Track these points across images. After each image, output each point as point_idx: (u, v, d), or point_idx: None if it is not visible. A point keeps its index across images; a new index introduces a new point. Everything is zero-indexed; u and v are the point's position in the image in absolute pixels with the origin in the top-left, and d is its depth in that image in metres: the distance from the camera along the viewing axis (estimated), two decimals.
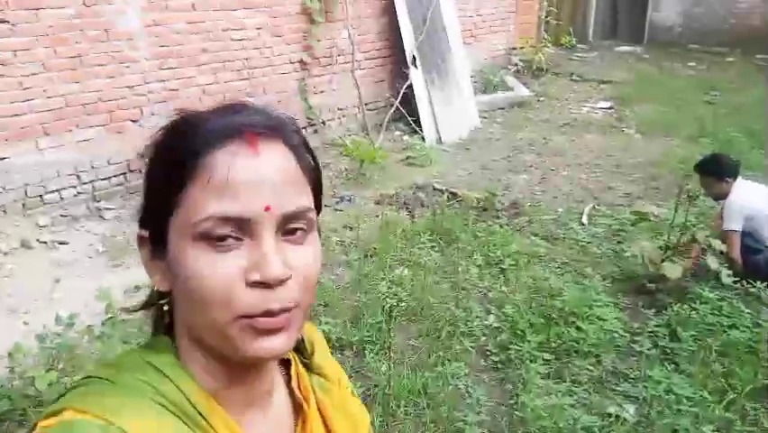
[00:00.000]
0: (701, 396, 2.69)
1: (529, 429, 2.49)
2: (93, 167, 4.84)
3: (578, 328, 3.15)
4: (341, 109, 6.67)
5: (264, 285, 0.58)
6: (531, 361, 2.93)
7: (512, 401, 2.76)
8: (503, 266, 4.00)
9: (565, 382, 2.90)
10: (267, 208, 0.58)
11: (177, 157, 0.60)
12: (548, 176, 5.98)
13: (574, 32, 10.65)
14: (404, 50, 6.82)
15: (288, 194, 0.60)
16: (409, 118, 6.89)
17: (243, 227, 0.58)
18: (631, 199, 5.29)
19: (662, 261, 3.35)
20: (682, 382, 2.77)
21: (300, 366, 0.75)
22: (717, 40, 10.32)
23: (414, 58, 6.80)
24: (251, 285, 0.58)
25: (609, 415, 2.63)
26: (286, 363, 0.74)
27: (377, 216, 4.84)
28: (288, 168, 0.61)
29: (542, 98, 8.50)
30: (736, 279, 3.50)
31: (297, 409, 0.72)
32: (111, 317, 2.75)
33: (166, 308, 0.67)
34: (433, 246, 4.27)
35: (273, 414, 0.69)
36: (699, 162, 4.00)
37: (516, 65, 9.25)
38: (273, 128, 0.61)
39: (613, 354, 3.09)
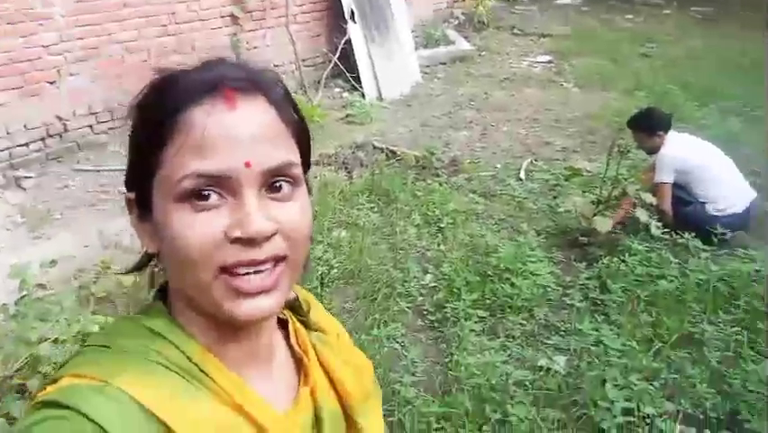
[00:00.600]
0: (630, 346, 2.76)
1: (462, 387, 2.51)
2: (8, 133, 4.54)
3: (512, 284, 3.17)
4: (276, 66, 6.41)
5: (247, 242, 0.57)
6: (466, 319, 2.94)
7: (446, 360, 2.77)
8: (441, 225, 3.98)
9: (499, 337, 2.92)
10: (247, 164, 0.57)
11: (155, 116, 0.59)
12: (488, 132, 5.97)
13: None
14: (341, 4, 6.60)
15: (268, 149, 0.58)
16: (348, 75, 6.72)
17: (224, 185, 0.57)
18: (567, 154, 5.34)
19: (594, 215, 3.39)
20: (611, 334, 2.84)
21: (298, 324, 0.75)
22: None
23: (352, 12, 6.59)
24: (234, 242, 0.57)
25: (541, 368, 2.68)
26: (283, 323, 0.74)
27: (315, 178, 4.73)
28: (269, 122, 0.59)
29: (483, 52, 8.43)
30: (666, 230, 3.58)
31: (299, 364, 0.72)
32: (24, 295, 2.59)
33: (157, 269, 0.67)
34: (371, 207, 4.22)
35: (276, 370, 0.69)
36: (631, 118, 4.04)
37: (458, 18, 9.12)
38: (252, 82, 0.60)
39: (546, 307, 3.13)
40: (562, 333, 2.94)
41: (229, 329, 0.63)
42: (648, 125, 3.91)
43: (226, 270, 0.57)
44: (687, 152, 3.79)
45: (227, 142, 0.57)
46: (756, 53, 7.53)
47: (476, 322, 2.92)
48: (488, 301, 3.10)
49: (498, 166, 5.12)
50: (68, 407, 0.54)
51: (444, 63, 8.05)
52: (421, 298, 3.23)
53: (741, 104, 6.00)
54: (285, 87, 0.64)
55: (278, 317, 0.73)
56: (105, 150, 5.24)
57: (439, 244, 3.79)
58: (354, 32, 6.62)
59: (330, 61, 6.65)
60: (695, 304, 3.08)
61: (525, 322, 3.03)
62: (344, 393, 0.72)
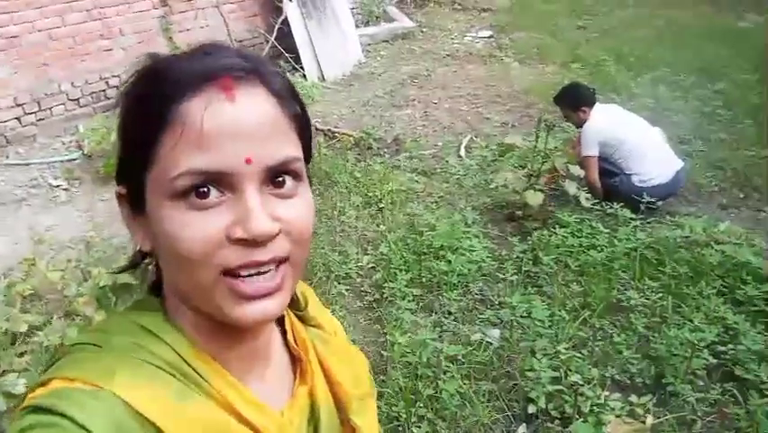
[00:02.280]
0: (559, 316, 2.84)
1: (396, 366, 2.54)
2: None
3: (448, 261, 3.22)
4: None
5: (250, 242, 0.53)
6: (402, 298, 2.97)
7: (381, 340, 2.80)
8: (381, 205, 3.99)
9: (435, 314, 2.97)
10: (248, 161, 0.53)
11: (147, 107, 0.55)
12: (430, 109, 5.99)
13: None
14: None
15: (271, 144, 0.55)
16: (288, 56, 6.62)
17: (224, 182, 0.54)
18: (506, 129, 5.41)
19: (525, 189, 3.45)
20: (542, 305, 2.91)
21: (295, 320, 0.72)
22: None
23: None
24: (235, 242, 0.53)
25: (475, 342, 2.73)
26: (280, 319, 0.71)
27: None
28: (270, 115, 0.55)
29: (425, 29, 8.42)
30: (596, 201, 3.67)
31: (296, 362, 0.70)
32: None
33: (151, 267, 0.64)
34: (312, 189, 4.18)
35: (272, 368, 0.67)
36: (557, 94, 4.11)
37: None
38: (251, 71, 0.56)
39: (480, 282, 3.18)
40: (496, 307, 3.00)
41: (227, 330, 0.60)
42: (571, 101, 3.98)
43: (228, 272, 0.54)
44: (611, 125, 3.87)
45: (227, 137, 0.53)
46: (686, 21, 7.76)
47: (411, 301, 2.95)
48: (423, 280, 3.14)
49: (439, 144, 5.15)
50: (59, 413, 0.51)
51: (387, 41, 8.01)
52: (360, 279, 3.25)
53: (673, 72, 6.17)
54: (285, 77, 0.60)
55: None
56: (35, 142, 5.06)
57: (378, 225, 3.80)
58: (291, 10, 6.51)
59: (268, 42, 6.53)
60: (623, 272, 3.18)
61: (460, 298, 3.07)
62: (341, 392, 0.70)
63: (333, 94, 6.44)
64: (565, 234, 3.40)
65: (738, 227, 3.59)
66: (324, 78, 6.75)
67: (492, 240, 3.57)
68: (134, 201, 0.59)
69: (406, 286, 3.02)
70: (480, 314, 2.99)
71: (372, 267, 3.34)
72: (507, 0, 9.14)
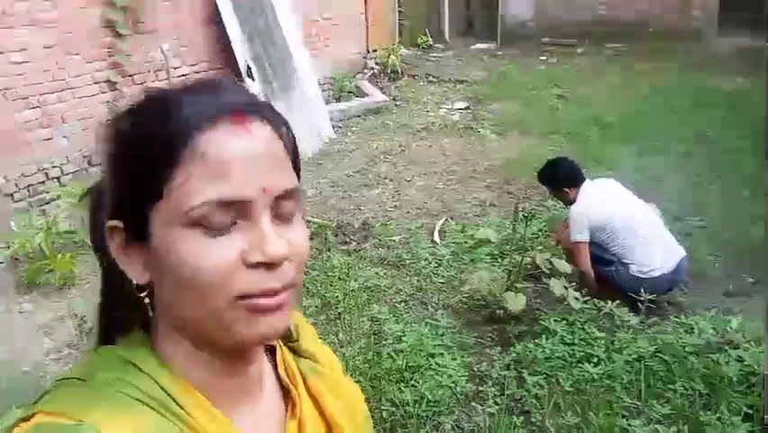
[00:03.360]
0: None
1: None
2: None
3: (413, 387, 2.65)
4: None
5: (264, 266, 0.55)
6: None
7: None
8: (340, 309, 3.46)
9: None
10: (264, 190, 0.56)
11: (160, 140, 0.55)
12: (402, 188, 5.55)
13: (430, 32, 10.44)
14: (237, 62, 6.14)
15: (279, 173, 0.58)
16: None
17: (239, 210, 0.56)
18: (484, 208, 4.96)
19: (505, 290, 2.94)
20: None
21: (286, 352, 0.72)
22: (565, 32, 10.47)
23: (248, 68, 6.14)
24: (252, 267, 0.55)
25: None
26: (271, 350, 0.71)
27: None
28: (275, 146, 0.59)
29: (399, 102, 8.13)
30: (588, 298, 3.15)
31: (287, 394, 0.69)
32: None
33: (147, 300, 0.62)
34: None
35: (263, 402, 0.66)
36: (539, 171, 3.67)
37: (372, 69, 8.85)
38: (256, 105, 0.59)
39: (455, 412, 2.61)
40: None
41: (223, 362, 0.61)
42: (555, 180, 3.54)
43: (243, 297, 0.55)
44: (602, 206, 3.40)
45: (244, 167, 0.55)
46: (670, 86, 7.50)
47: None
48: (384, 414, 2.56)
49: (411, 228, 4.67)
50: None
51: (359, 116, 7.69)
52: None
53: (660, 140, 5.81)
54: (280, 113, 0.62)
55: (267, 345, 0.70)
56: None
57: (337, 334, 3.25)
58: (253, 89, 6.13)
59: None
60: (626, 391, 2.63)
61: None
62: (335, 426, 0.70)
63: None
64: (555, 344, 2.86)
65: (752, 323, 3.08)
66: None
67: (468, 352, 3.02)
68: (132, 234, 0.59)
69: None
70: None
71: None
72: (483, 72, 8.93)
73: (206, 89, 0.59)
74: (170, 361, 0.60)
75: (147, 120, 0.57)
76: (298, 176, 0.63)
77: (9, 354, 3.29)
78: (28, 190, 4.82)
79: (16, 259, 4.16)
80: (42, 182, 4.89)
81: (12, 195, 4.73)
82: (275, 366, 0.70)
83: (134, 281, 0.60)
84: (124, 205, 0.59)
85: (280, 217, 0.58)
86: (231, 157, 0.55)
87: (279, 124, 0.60)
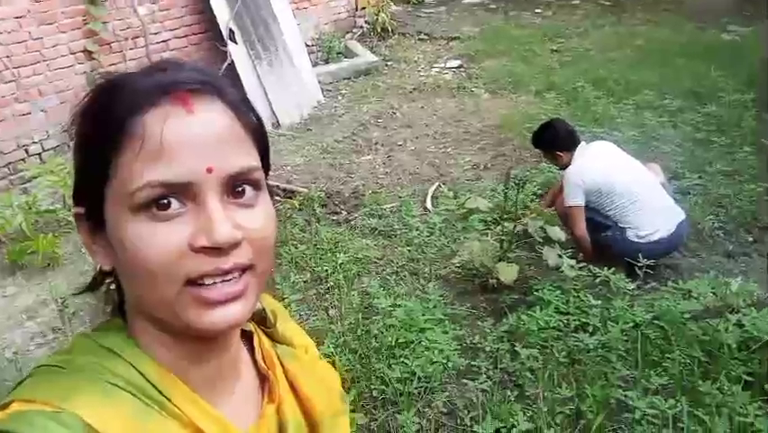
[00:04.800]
0: None
1: None
2: None
3: (404, 363, 2.58)
4: None
5: (213, 251, 0.54)
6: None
7: None
8: (330, 283, 3.37)
9: None
10: (209, 170, 0.54)
11: (105, 122, 0.56)
12: (394, 153, 5.41)
13: None
14: (219, 24, 5.91)
15: (230, 153, 0.56)
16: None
17: (185, 193, 0.54)
18: (477, 171, 4.84)
19: (497, 261, 2.84)
20: (525, 419, 2.28)
21: (263, 337, 0.72)
22: None
23: (231, 32, 5.91)
24: (198, 251, 0.54)
25: None
26: (248, 336, 0.70)
27: None
28: (228, 125, 0.56)
29: (390, 62, 7.88)
30: (583, 265, 3.05)
31: (264, 380, 0.69)
32: None
33: (113, 286, 0.63)
34: None
35: (240, 387, 0.66)
36: (533, 135, 3.53)
37: (362, 27, 8.55)
38: (207, 84, 0.57)
39: (447, 389, 2.55)
40: (465, 425, 2.35)
41: (194, 346, 0.60)
42: (547, 144, 3.40)
43: (192, 282, 0.54)
44: (597, 169, 3.27)
45: (187, 148, 0.54)
46: (666, 38, 7.27)
47: (358, 426, 2.31)
48: (374, 393, 2.49)
49: (403, 194, 4.55)
50: None
51: (348, 78, 7.45)
52: None
53: (657, 95, 5.63)
54: (241, 89, 0.61)
55: (243, 330, 0.69)
56: None
57: (327, 310, 3.18)
58: (237, 53, 5.94)
59: None
60: (621, 362, 2.56)
61: (423, 412, 2.44)
62: (312, 410, 0.70)
63: (287, 141, 5.85)
64: (549, 314, 2.78)
65: (753, 285, 2.99)
66: (279, 125, 6.17)
67: (461, 324, 2.94)
68: (93, 220, 0.59)
69: (351, 409, 2.37)
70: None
71: None
72: (476, 27, 8.64)
73: (158, 70, 0.57)
74: (144, 345, 0.60)
75: (94, 104, 0.57)
76: (265, 155, 0.61)
77: None
78: (8, 168, 4.70)
79: None
80: (23, 159, 4.76)
81: None
82: (252, 352, 0.70)
83: (98, 267, 0.61)
84: (82, 190, 0.59)
85: (238, 198, 0.56)
86: (172, 138, 0.53)
87: (237, 102, 0.58)
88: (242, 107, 0.59)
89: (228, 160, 0.55)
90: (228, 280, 0.55)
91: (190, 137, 0.54)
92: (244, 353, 0.69)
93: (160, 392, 0.57)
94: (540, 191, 4.09)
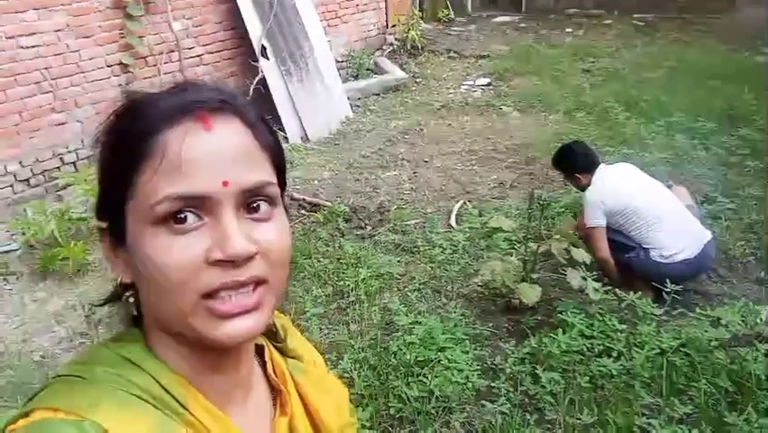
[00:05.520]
0: None
1: None
2: None
3: (422, 382, 2.56)
4: None
5: (228, 264, 0.55)
6: None
7: None
8: (351, 298, 3.37)
9: None
10: (225, 183, 0.56)
11: (127, 140, 0.58)
12: (420, 169, 5.41)
13: (451, 4, 10.14)
14: (251, 41, 6.02)
15: (246, 169, 0.58)
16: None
17: (201, 206, 0.56)
18: (504, 190, 4.81)
19: (519, 281, 2.81)
20: None
21: (274, 351, 0.73)
22: (594, 2, 10.08)
23: (263, 47, 6.02)
24: (214, 264, 0.55)
25: None
26: (260, 350, 0.72)
27: None
28: (244, 143, 0.59)
29: (419, 79, 7.93)
30: (607, 288, 3.00)
31: (275, 393, 0.71)
32: None
33: (132, 300, 0.63)
34: None
35: (253, 400, 0.68)
36: (553, 156, 3.50)
37: (392, 45, 8.62)
38: (226, 103, 0.59)
39: (466, 409, 2.52)
40: None
41: (211, 358, 0.61)
42: (567, 165, 3.38)
43: (207, 295, 0.55)
44: (617, 190, 3.22)
45: (204, 163, 0.56)
46: (699, 59, 7.17)
47: None
48: (392, 411, 2.48)
49: (428, 211, 4.55)
50: None
51: (378, 94, 7.52)
52: None
53: (689, 118, 5.54)
54: (258, 109, 0.63)
55: (255, 344, 0.70)
56: None
57: (347, 324, 3.17)
58: (268, 69, 6.04)
59: None
60: (646, 389, 2.50)
61: (440, 432, 2.41)
62: (321, 423, 0.71)
63: (315, 155, 5.90)
64: (573, 337, 2.73)
65: None
66: (307, 138, 6.24)
67: (482, 344, 2.91)
68: (115, 234, 0.60)
69: (367, 426, 2.36)
70: None
71: None
72: (506, 46, 8.65)
73: (179, 90, 0.59)
74: (162, 357, 0.61)
75: (118, 122, 0.59)
76: (281, 172, 0.63)
77: (22, 342, 3.29)
78: (43, 176, 4.82)
79: (32, 246, 4.16)
80: (58, 168, 4.88)
81: (27, 180, 4.74)
82: (264, 365, 0.71)
83: (118, 280, 0.62)
84: (105, 205, 0.61)
85: (253, 213, 0.58)
86: (190, 153, 0.55)
87: (254, 121, 0.60)
88: (259, 126, 0.61)
89: (244, 175, 0.57)
90: (243, 294, 0.56)
91: (208, 153, 0.56)
92: (257, 367, 0.71)
93: (179, 402, 0.58)
94: (563, 212, 4.05)
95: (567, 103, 6.39)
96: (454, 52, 8.64)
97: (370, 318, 3.15)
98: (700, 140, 5.10)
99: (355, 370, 2.67)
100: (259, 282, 0.57)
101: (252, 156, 0.59)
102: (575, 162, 3.32)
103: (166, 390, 0.58)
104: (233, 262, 0.55)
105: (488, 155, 5.58)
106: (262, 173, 0.59)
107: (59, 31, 4.73)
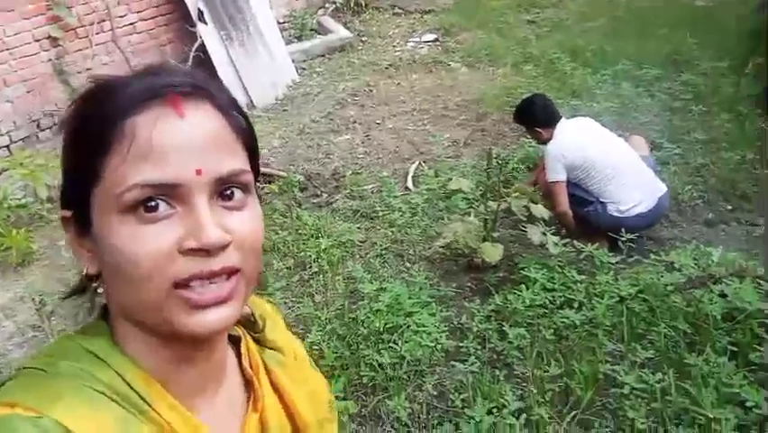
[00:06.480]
0: (539, 415, 2.22)
1: None
2: None
3: (392, 348, 2.57)
4: None
5: (201, 252, 0.54)
6: (339, 412, 2.31)
7: None
8: (314, 269, 3.33)
9: (382, 426, 2.33)
10: (198, 172, 0.54)
11: (94, 125, 0.56)
12: (373, 132, 5.34)
13: None
14: (187, 5, 5.74)
15: (219, 156, 0.56)
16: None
17: (173, 195, 0.54)
18: (458, 148, 4.80)
19: (482, 240, 2.83)
20: (514, 398, 2.29)
21: (251, 342, 0.71)
22: None
23: (200, 11, 5.75)
24: (186, 253, 0.54)
25: None
26: (236, 340, 0.70)
27: None
28: (218, 129, 0.57)
29: (364, 38, 7.75)
30: (566, 241, 3.05)
31: (250, 386, 0.68)
32: None
33: (100, 290, 0.62)
34: None
35: (224, 394, 0.65)
36: (514, 112, 3.50)
37: (334, 2, 8.39)
38: (197, 88, 0.57)
39: (437, 372, 2.55)
40: (458, 407, 2.36)
41: (181, 350, 0.60)
42: (528, 120, 3.38)
43: (179, 284, 0.54)
44: (578, 144, 3.26)
45: (176, 150, 0.54)
46: (642, 6, 7.24)
47: (350, 417, 2.30)
48: (364, 380, 2.48)
49: (384, 174, 4.51)
50: None
51: (323, 55, 7.32)
52: None
53: (634, 65, 5.61)
54: (230, 94, 0.61)
55: (231, 334, 0.68)
56: None
57: (312, 296, 3.14)
58: (207, 34, 5.79)
59: None
60: (608, 337, 2.58)
61: (413, 396, 2.44)
62: (297, 416, 0.70)
63: (263, 122, 5.74)
64: (535, 292, 2.78)
65: (734, 254, 3.03)
66: (253, 105, 6.06)
67: (447, 305, 2.94)
68: (80, 224, 0.59)
69: (341, 396, 2.36)
70: (440, 417, 2.35)
71: None
72: (451, 0, 8.53)
73: (148, 74, 0.57)
74: (129, 351, 0.59)
75: (85, 107, 0.57)
76: (254, 157, 0.61)
77: None
78: None
79: None
80: None
81: None
82: (239, 357, 0.69)
83: (84, 271, 0.60)
84: (70, 192, 0.59)
85: (226, 201, 0.56)
86: (161, 140, 0.54)
87: (226, 106, 0.59)
88: (231, 111, 0.59)
89: (217, 162, 0.55)
90: (216, 284, 0.55)
91: (180, 140, 0.54)
92: (231, 358, 0.69)
93: (143, 400, 0.57)
94: (520, 168, 4.08)
95: (514, 56, 6.37)
96: (399, 8, 8.47)
97: (335, 288, 3.13)
98: (645, 87, 5.18)
99: (324, 342, 2.66)
100: (232, 272, 0.56)
101: (226, 143, 0.57)
102: (536, 116, 3.32)
103: (130, 386, 0.57)
104: (206, 252, 0.53)
105: (439, 113, 5.55)
106: (237, 160, 0.57)
107: None
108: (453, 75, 6.36)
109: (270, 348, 0.72)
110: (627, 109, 4.80)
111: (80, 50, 5.08)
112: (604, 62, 5.73)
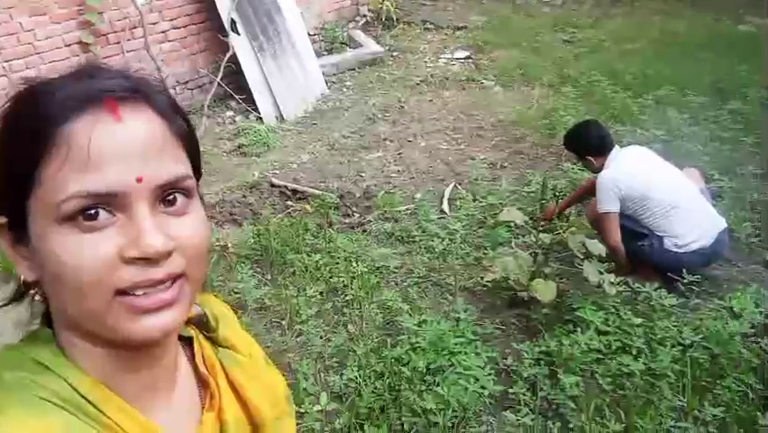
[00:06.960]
0: None
1: None
2: None
3: (434, 393, 2.38)
4: None
5: (144, 261, 0.53)
6: None
7: None
8: (347, 296, 3.16)
9: None
10: (139, 179, 0.53)
11: (28, 131, 0.53)
12: (405, 150, 5.18)
13: None
14: (219, 15, 5.64)
15: (160, 162, 0.55)
16: (237, 97, 5.78)
17: (114, 203, 0.53)
18: (494, 170, 4.62)
19: (533, 277, 2.64)
20: None
21: (204, 342, 0.71)
22: None
23: (233, 22, 5.65)
24: (129, 262, 0.52)
25: None
26: (188, 341, 0.70)
27: None
28: (157, 133, 0.55)
29: (395, 53, 7.61)
30: (621, 280, 2.86)
31: (204, 385, 0.68)
32: None
33: (38, 298, 0.61)
34: (257, 276, 3.34)
35: (178, 395, 0.65)
36: (565, 136, 3.32)
37: (365, 16, 8.28)
38: (136, 91, 0.56)
39: (483, 424, 2.35)
40: None
41: (126, 356, 0.58)
42: (580, 147, 3.20)
43: (122, 291, 0.53)
44: (632, 174, 3.07)
45: (115, 157, 0.52)
46: (682, 29, 7.05)
47: None
48: (404, 426, 2.29)
49: (417, 196, 4.34)
50: None
51: (353, 69, 7.19)
52: (317, 427, 2.37)
53: (676, 90, 5.41)
54: (170, 95, 0.59)
55: (183, 335, 0.68)
56: None
57: (345, 325, 2.97)
58: (239, 44, 5.68)
59: (211, 82, 5.68)
60: (670, 390, 2.37)
61: None
62: (255, 412, 0.69)
63: (293, 136, 5.61)
64: (591, 337, 2.58)
65: None
66: (282, 118, 5.93)
67: (492, 344, 2.74)
68: (16, 230, 0.57)
69: None
70: None
71: (333, 409, 2.42)
72: (483, 16, 8.38)
73: (85, 76, 0.55)
74: (73, 357, 0.58)
75: (18, 109, 0.55)
76: (197, 162, 0.60)
77: None
78: None
79: None
80: None
81: None
82: (193, 357, 0.69)
83: (21, 278, 0.59)
84: (4, 199, 0.57)
85: (169, 207, 0.55)
86: (100, 147, 0.52)
87: (166, 109, 0.57)
88: (171, 113, 0.58)
89: (158, 168, 0.54)
90: (160, 289, 0.54)
91: (119, 146, 0.52)
92: (183, 359, 0.68)
93: (93, 405, 0.56)
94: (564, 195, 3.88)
95: (551, 76, 6.20)
96: (430, 24, 8.34)
97: (370, 318, 2.95)
98: (691, 114, 4.97)
99: (361, 378, 2.47)
100: (175, 278, 0.55)
101: (167, 148, 0.56)
102: (589, 144, 3.14)
103: (78, 392, 0.56)
104: (149, 260, 0.52)
105: (473, 133, 5.38)
106: (178, 166, 0.56)
107: (10, 8, 4.32)
108: (487, 93, 6.19)
109: (225, 347, 0.71)
110: (674, 137, 4.60)
111: (110, 56, 4.99)
112: (646, 87, 5.54)
